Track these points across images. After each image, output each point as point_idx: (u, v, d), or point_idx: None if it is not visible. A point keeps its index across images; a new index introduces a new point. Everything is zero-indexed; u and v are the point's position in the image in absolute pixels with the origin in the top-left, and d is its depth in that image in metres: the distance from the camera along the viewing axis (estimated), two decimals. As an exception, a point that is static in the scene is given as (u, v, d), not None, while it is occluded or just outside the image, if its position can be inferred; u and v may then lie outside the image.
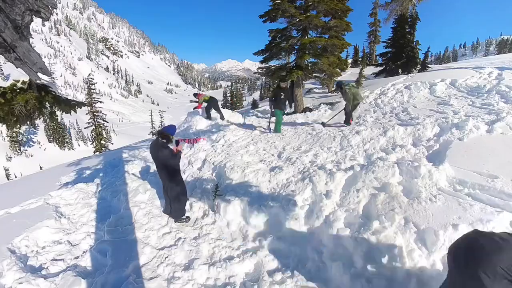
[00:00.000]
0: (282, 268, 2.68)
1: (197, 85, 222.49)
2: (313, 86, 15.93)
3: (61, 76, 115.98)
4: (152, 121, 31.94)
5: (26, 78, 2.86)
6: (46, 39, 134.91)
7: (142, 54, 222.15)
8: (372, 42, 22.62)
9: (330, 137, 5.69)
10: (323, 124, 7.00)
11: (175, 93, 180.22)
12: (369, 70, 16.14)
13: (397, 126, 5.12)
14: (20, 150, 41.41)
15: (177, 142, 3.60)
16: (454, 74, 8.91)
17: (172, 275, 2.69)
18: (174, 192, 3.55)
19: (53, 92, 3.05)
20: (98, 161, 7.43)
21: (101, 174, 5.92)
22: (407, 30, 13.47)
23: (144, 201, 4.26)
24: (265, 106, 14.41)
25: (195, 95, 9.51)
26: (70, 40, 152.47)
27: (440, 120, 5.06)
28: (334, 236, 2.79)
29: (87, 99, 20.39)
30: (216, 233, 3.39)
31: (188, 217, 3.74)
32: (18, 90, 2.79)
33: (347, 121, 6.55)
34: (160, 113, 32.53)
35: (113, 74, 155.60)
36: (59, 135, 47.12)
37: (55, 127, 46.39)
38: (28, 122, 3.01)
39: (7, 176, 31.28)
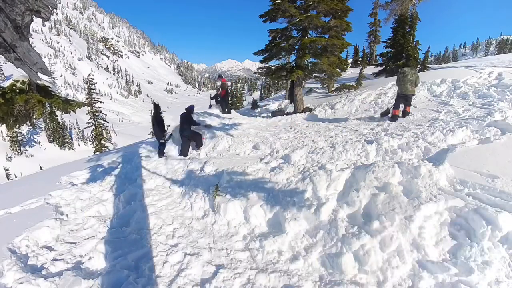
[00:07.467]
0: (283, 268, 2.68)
1: (197, 85, 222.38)
2: (313, 86, 15.92)
3: (61, 76, 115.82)
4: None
5: (25, 78, 2.85)
6: (46, 39, 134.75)
7: (142, 54, 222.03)
8: (372, 42, 22.61)
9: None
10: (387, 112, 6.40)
11: (175, 93, 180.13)
12: (369, 70, 16.15)
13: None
14: (20, 150, 41.38)
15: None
16: (454, 74, 8.91)
17: (172, 275, 2.69)
18: (196, 136, 6.44)
19: (53, 92, 3.05)
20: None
21: (102, 174, 5.92)
22: (407, 30, 13.46)
23: (145, 201, 4.26)
24: (266, 105, 14.42)
25: (220, 76, 9.77)
26: (70, 40, 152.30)
27: (440, 123, 5.06)
28: (334, 236, 2.79)
29: (87, 99, 20.40)
30: (217, 233, 3.40)
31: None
32: (17, 90, 2.79)
33: (390, 114, 6.16)
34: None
35: (113, 74, 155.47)
36: (59, 135, 47.11)
37: (55, 127, 46.39)
38: (27, 122, 3.00)
39: (7, 176, 31.27)
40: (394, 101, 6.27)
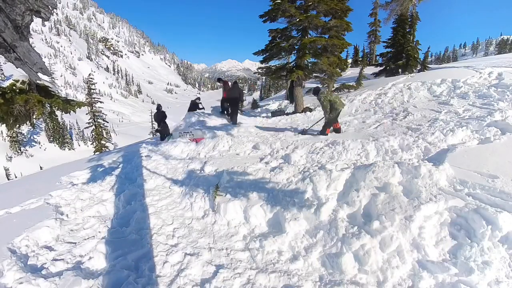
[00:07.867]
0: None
1: (197, 85, 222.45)
2: (313, 86, 15.91)
3: (61, 76, 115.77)
4: (152, 121, 31.88)
5: (25, 78, 2.85)
6: (46, 39, 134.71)
7: (142, 54, 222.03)
8: (372, 42, 22.61)
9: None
10: (304, 131, 6.39)
11: (175, 93, 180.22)
12: (369, 70, 16.14)
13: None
14: (20, 150, 41.41)
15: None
16: (454, 74, 8.91)
17: (172, 275, 2.69)
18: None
19: (53, 92, 3.05)
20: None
21: (102, 174, 5.92)
22: (407, 30, 13.45)
23: (145, 201, 4.26)
24: (266, 105, 14.41)
25: (220, 80, 9.86)
26: (70, 40, 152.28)
27: (440, 123, 5.06)
28: (334, 236, 2.79)
29: (87, 99, 20.40)
30: (217, 233, 3.39)
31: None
32: (17, 90, 2.78)
33: (323, 131, 6.00)
34: (160, 113, 32.41)
35: (113, 74, 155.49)
36: (59, 135, 47.14)
37: (55, 127, 46.43)
38: (27, 122, 3.00)
39: (7, 176, 31.28)
40: (325, 124, 6.01)
